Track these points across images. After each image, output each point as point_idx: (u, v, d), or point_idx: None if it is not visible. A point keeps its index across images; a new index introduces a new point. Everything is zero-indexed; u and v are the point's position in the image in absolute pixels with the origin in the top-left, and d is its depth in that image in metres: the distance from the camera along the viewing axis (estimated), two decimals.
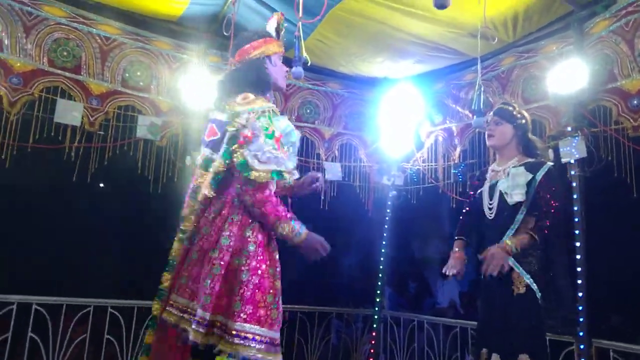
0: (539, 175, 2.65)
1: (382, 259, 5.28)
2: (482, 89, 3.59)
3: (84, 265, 5.67)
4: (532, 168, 2.69)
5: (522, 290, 2.54)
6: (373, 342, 5.13)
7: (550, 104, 3.76)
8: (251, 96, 2.09)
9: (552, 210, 2.58)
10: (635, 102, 3.29)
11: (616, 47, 3.41)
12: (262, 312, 1.94)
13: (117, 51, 4.07)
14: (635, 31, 3.29)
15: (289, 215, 2.03)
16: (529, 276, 2.55)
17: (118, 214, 5.89)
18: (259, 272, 1.97)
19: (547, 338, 3.42)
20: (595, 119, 3.51)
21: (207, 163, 2.12)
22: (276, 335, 1.97)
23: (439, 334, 4.63)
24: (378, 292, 5.24)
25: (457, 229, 2.99)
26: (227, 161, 2.04)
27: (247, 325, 1.90)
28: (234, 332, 1.89)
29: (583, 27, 3.61)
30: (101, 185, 6.43)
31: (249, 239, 2.00)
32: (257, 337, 1.90)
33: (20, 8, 3.71)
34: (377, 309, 5.20)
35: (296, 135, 2.11)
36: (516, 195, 2.62)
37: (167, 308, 2.08)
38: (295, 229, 2.02)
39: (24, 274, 5.32)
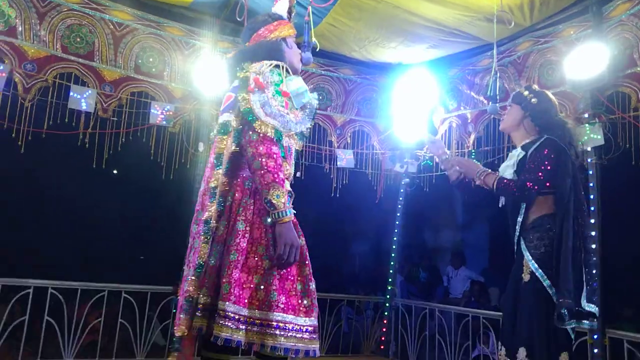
0: (531, 149, 2.52)
1: (393, 246, 5.27)
2: (498, 74, 3.54)
3: (98, 250, 5.74)
4: (528, 146, 2.56)
5: (527, 278, 2.40)
6: (384, 329, 5.14)
7: (567, 90, 3.69)
8: (267, 62, 2.03)
9: (533, 167, 2.43)
10: None
11: (637, 30, 3.32)
12: (294, 301, 1.89)
13: (130, 37, 4.07)
14: None
15: (286, 187, 1.89)
16: (533, 262, 2.40)
17: (131, 200, 5.94)
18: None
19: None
20: (613, 105, 3.43)
21: (225, 126, 2.02)
22: (314, 322, 1.94)
23: (450, 323, 4.62)
24: (389, 279, 5.24)
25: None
26: (238, 112, 1.95)
27: (285, 316, 1.85)
28: (273, 324, 1.83)
29: (602, 11, 3.53)
30: (115, 171, 6.48)
31: (269, 227, 1.91)
32: (295, 327, 1.87)
33: None
34: (388, 296, 5.20)
35: (310, 97, 2.02)
36: (507, 173, 2.55)
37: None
38: (287, 205, 1.86)
39: (39, 259, 5.40)
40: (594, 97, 3.50)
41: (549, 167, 2.44)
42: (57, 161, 5.25)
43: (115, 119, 3.96)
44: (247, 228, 1.91)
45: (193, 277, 1.90)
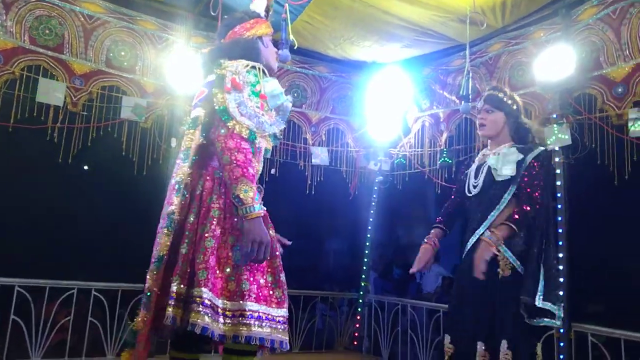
0: (530, 157, 2.59)
1: (367, 243, 5.31)
2: (470, 75, 3.60)
3: (67, 247, 5.61)
4: (523, 150, 2.62)
5: (508, 273, 2.45)
6: (357, 325, 5.18)
7: (536, 91, 3.78)
8: (243, 61, 2.02)
9: (537, 195, 2.52)
10: (619, 90, 3.32)
11: (603, 34, 3.42)
12: (265, 292, 1.89)
13: (101, 30, 3.99)
14: (622, 19, 3.31)
15: (255, 182, 1.85)
16: (514, 258, 2.46)
17: (102, 196, 5.83)
18: None
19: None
20: (580, 106, 3.53)
21: (195, 120, 2.00)
22: (285, 313, 1.96)
23: (422, 318, 4.69)
24: (363, 276, 5.28)
25: (440, 215, 2.92)
26: (208, 108, 1.95)
27: (255, 305, 1.84)
28: (247, 314, 1.82)
29: (571, 14, 3.62)
30: (85, 167, 6.35)
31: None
32: (269, 316, 1.88)
33: None
34: (361, 293, 5.24)
35: (284, 99, 2.02)
36: (506, 169, 2.54)
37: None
38: (256, 199, 1.80)
39: (5, 256, 5.25)
40: (563, 98, 3.59)
41: (542, 184, 2.56)
42: (25, 156, 5.12)
43: (86, 113, 3.88)
44: (221, 216, 1.90)
45: (153, 271, 1.86)
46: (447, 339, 2.62)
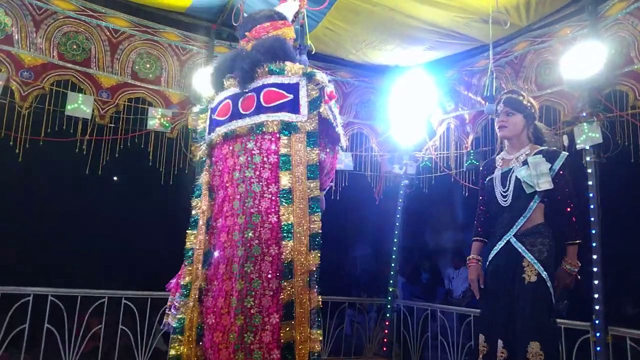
0: (557, 164, 2.64)
1: (394, 248, 5.26)
2: (495, 75, 3.54)
3: (97, 257, 5.73)
4: (548, 157, 2.66)
5: (534, 279, 2.53)
6: (386, 331, 5.13)
7: (564, 89, 3.69)
8: (289, 63, 1.96)
9: (573, 206, 2.62)
10: None
11: (633, 29, 3.32)
12: None
13: (126, 44, 4.08)
14: None
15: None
16: (539, 264, 2.54)
17: (130, 206, 5.94)
18: None
19: (562, 326, 3.41)
20: (610, 103, 3.43)
21: (288, 127, 1.87)
22: None
23: (452, 323, 4.61)
24: (391, 281, 5.23)
25: (474, 228, 2.94)
26: (316, 117, 1.89)
27: None
28: None
29: (598, 10, 3.53)
30: (115, 178, 6.48)
31: None
32: None
33: (30, 2, 3.73)
34: (390, 298, 5.19)
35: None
36: (543, 184, 2.60)
37: None
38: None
39: (39, 267, 5.39)
40: (592, 95, 3.50)
41: (572, 191, 2.68)
42: (55, 168, 5.25)
43: (113, 125, 3.96)
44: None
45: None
46: (482, 338, 2.69)
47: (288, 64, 1.94)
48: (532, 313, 2.49)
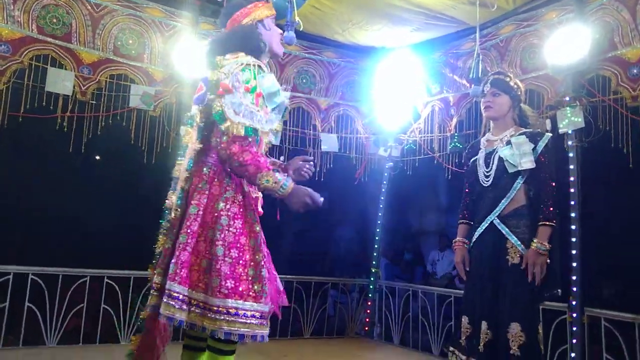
0: (540, 145, 2.65)
1: (377, 229, 5.31)
2: (480, 57, 3.54)
3: (78, 235, 5.67)
4: (532, 138, 2.67)
5: (517, 260, 2.55)
6: (368, 311, 5.20)
7: (548, 73, 3.71)
8: (242, 54, 2.00)
9: (551, 187, 2.60)
10: (635, 71, 3.25)
11: (617, 14, 3.34)
12: (243, 286, 1.87)
13: (108, 18, 3.98)
14: None
15: (270, 167, 1.93)
16: (523, 246, 2.56)
17: (112, 184, 5.87)
18: (238, 245, 1.90)
19: (540, 307, 3.48)
20: (593, 88, 3.46)
21: (192, 119, 2.09)
22: (263, 308, 1.90)
23: (433, 304, 4.69)
24: (374, 262, 5.28)
25: (460, 211, 2.93)
26: (205, 111, 2.00)
27: (229, 301, 1.83)
28: (214, 308, 1.83)
29: None
30: (97, 157, 6.38)
31: (221, 212, 1.91)
32: (240, 312, 1.84)
33: None
34: (372, 279, 5.25)
35: (282, 96, 2.01)
36: (525, 163, 2.60)
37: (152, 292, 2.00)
38: (279, 180, 1.89)
39: (19, 245, 5.33)
40: (575, 80, 3.53)
41: (552, 175, 2.65)
42: (35, 145, 5.16)
43: (94, 102, 3.89)
44: (200, 212, 1.93)
45: (153, 266, 2.02)
46: (465, 319, 2.69)
47: (226, 55, 2.00)
48: (514, 294, 2.51)
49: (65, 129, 3.75)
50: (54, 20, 3.79)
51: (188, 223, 1.92)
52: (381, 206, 5.30)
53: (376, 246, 5.29)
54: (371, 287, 5.23)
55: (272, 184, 1.87)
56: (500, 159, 2.67)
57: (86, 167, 5.76)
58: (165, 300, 1.84)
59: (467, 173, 2.94)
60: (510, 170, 2.63)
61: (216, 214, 1.92)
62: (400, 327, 4.94)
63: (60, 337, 3.93)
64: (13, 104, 3.61)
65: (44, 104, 3.69)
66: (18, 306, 3.83)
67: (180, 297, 1.85)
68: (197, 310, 1.86)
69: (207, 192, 1.96)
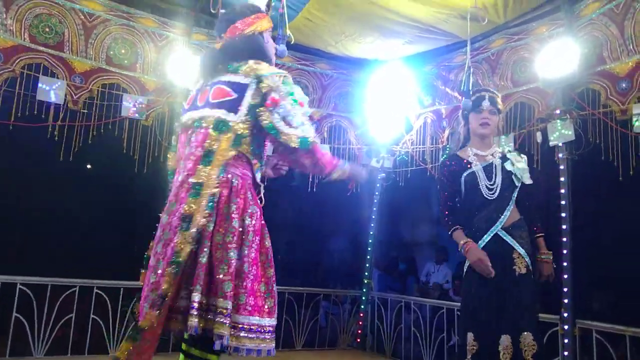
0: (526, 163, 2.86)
1: (370, 240, 5.30)
2: (472, 71, 3.57)
3: (68, 245, 5.62)
4: (519, 156, 2.88)
5: (524, 270, 2.61)
6: (360, 323, 5.17)
7: (539, 87, 3.75)
8: (264, 63, 2.00)
9: (533, 199, 2.83)
10: (623, 85, 3.29)
11: (606, 29, 3.39)
12: (260, 302, 1.87)
13: (101, 28, 3.98)
14: (626, 14, 3.28)
15: (336, 162, 2.10)
16: (528, 257, 2.64)
17: (103, 194, 5.83)
18: (256, 261, 1.89)
19: None
20: (583, 102, 3.50)
21: (220, 124, 1.92)
22: (274, 322, 1.91)
23: (425, 315, 4.67)
24: (366, 273, 5.27)
25: (449, 220, 2.83)
26: (251, 122, 1.94)
27: (253, 318, 1.84)
28: (239, 326, 1.81)
29: (574, 9, 3.59)
30: (88, 166, 6.35)
31: (248, 227, 1.89)
32: (260, 329, 1.85)
33: None
34: (365, 290, 5.23)
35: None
36: (527, 179, 2.76)
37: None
38: (338, 166, 2.12)
39: (7, 254, 5.26)
40: (565, 93, 3.57)
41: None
42: (25, 154, 5.12)
43: (86, 111, 3.88)
44: (240, 228, 1.89)
45: (170, 273, 1.79)
46: (471, 336, 2.60)
47: (250, 63, 1.97)
48: (525, 304, 2.56)
49: (57, 138, 3.74)
50: (47, 29, 3.79)
51: (234, 238, 1.85)
52: (374, 217, 5.29)
53: (368, 257, 5.28)
54: (363, 298, 5.21)
55: (339, 175, 2.12)
56: (506, 172, 2.77)
57: (77, 176, 5.73)
58: (222, 320, 1.77)
59: (449, 186, 2.87)
60: (518, 183, 2.76)
61: (245, 229, 1.90)
62: (393, 338, 4.92)
63: (49, 347, 3.87)
64: (4, 112, 3.60)
65: (35, 112, 3.68)
66: (6, 316, 3.78)
67: (246, 326, 1.84)
68: (242, 334, 1.84)
69: (240, 208, 1.91)
